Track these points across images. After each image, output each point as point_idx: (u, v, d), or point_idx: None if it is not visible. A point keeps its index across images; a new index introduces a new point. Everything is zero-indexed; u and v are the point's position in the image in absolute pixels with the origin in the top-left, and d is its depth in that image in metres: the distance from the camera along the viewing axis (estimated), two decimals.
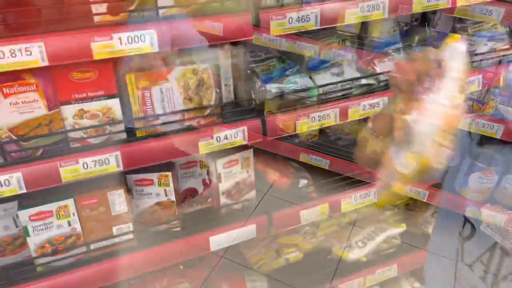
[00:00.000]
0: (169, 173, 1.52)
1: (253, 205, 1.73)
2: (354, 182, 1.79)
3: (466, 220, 1.04)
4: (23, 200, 1.39)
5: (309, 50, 1.67)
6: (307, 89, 1.57)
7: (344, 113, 1.61)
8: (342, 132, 2.18)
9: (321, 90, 1.59)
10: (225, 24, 1.32)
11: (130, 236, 1.51)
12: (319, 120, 1.58)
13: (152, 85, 1.39)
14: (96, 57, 1.22)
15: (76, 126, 1.35)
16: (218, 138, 1.47)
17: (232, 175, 1.66)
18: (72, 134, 1.35)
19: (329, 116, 1.59)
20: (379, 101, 1.65)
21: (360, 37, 1.74)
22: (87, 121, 1.36)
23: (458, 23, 1.84)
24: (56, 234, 1.41)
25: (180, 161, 1.64)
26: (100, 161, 1.34)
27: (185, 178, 1.67)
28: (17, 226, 1.45)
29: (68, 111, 1.33)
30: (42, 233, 1.39)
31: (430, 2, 1.54)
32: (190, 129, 1.46)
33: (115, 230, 1.49)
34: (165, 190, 1.55)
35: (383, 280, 2.03)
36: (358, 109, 1.62)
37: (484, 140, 1.61)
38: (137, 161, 1.39)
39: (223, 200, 1.67)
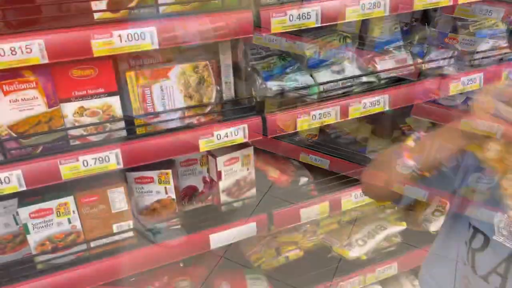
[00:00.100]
0: (169, 171, 1.52)
1: (253, 203, 1.73)
2: (354, 180, 1.79)
3: (477, 230, 0.99)
4: (23, 198, 1.39)
5: (309, 48, 1.67)
6: (308, 86, 1.56)
7: (344, 111, 1.61)
8: (342, 131, 2.18)
9: (321, 87, 1.59)
10: (225, 21, 1.31)
11: (130, 233, 1.51)
12: (319, 118, 1.58)
13: (153, 83, 1.39)
14: (96, 54, 1.22)
15: (76, 124, 1.35)
16: (218, 136, 1.47)
17: (232, 173, 1.66)
18: (72, 132, 1.35)
19: (330, 114, 1.59)
20: (379, 99, 1.65)
21: (360, 35, 1.73)
22: (87, 119, 1.36)
23: (459, 21, 1.83)
24: (56, 232, 1.41)
25: (180, 159, 1.64)
26: (100, 159, 1.34)
27: (185, 176, 1.67)
28: (17, 224, 1.45)
29: (68, 109, 1.33)
30: (42, 231, 1.39)
31: (432, 0, 1.54)
32: (190, 126, 1.46)
33: (115, 228, 1.49)
34: (165, 187, 1.55)
35: (384, 278, 2.03)
36: (359, 106, 1.62)
37: None
38: (137, 158, 1.39)
39: (223, 198, 1.67)
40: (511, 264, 0.93)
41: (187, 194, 1.70)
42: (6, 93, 1.23)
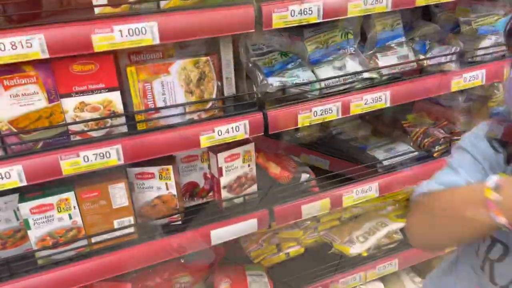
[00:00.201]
0: (170, 167, 1.52)
1: (254, 199, 1.73)
2: (356, 177, 1.78)
3: (495, 240, 0.94)
4: (24, 193, 1.39)
5: (311, 44, 1.66)
6: (309, 82, 1.56)
7: (346, 107, 1.60)
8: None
9: (323, 83, 1.58)
10: (226, 17, 1.31)
11: (131, 229, 1.51)
12: (321, 114, 1.57)
13: (153, 78, 1.39)
14: (97, 49, 1.21)
15: (77, 119, 1.34)
16: (219, 132, 1.46)
17: (233, 169, 1.65)
18: (73, 127, 1.35)
19: (331, 110, 1.58)
20: (381, 95, 1.64)
21: (362, 31, 1.72)
22: (88, 114, 1.35)
23: (462, 16, 1.82)
24: (57, 227, 1.41)
25: (181, 155, 1.63)
26: (101, 154, 1.33)
27: (186, 172, 1.67)
28: (18, 219, 1.45)
29: (69, 104, 1.32)
30: (43, 226, 1.39)
31: None
32: (191, 122, 1.46)
33: (116, 224, 1.49)
34: (166, 183, 1.54)
35: (384, 275, 2.03)
36: (360, 103, 1.61)
37: None
38: (138, 154, 1.38)
39: (224, 194, 1.67)
40: None
41: (188, 190, 1.70)
42: (6, 88, 1.23)
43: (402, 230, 2.04)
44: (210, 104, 1.49)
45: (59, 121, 1.32)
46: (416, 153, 1.91)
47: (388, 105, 1.67)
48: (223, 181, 1.65)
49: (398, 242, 2.02)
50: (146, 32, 1.24)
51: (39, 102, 1.28)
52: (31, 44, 1.15)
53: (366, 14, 1.52)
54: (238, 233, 1.64)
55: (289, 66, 1.60)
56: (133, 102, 1.40)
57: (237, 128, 1.48)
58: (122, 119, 1.40)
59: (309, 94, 1.57)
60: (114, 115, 1.37)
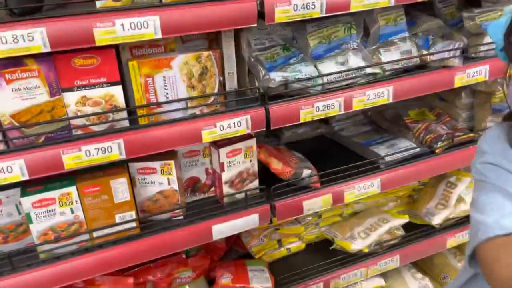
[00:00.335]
0: (172, 162, 1.52)
1: (256, 195, 1.72)
2: (358, 173, 1.78)
3: None
4: (26, 187, 1.39)
5: (313, 38, 1.65)
6: (312, 78, 1.55)
7: (348, 103, 1.60)
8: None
9: (325, 79, 1.57)
10: (229, 10, 1.30)
11: (133, 224, 1.51)
12: (323, 110, 1.57)
13: (155, 73, 1.38)
14: (99, 43, 1.21)
15: (79, 113, 1.34)
16: (221, 127, 1.46)
17: (235, 165, 1.65)
18: (75, 121, 1.34)
19: (334, 106, 1.58)
20: (383, 91, 1.64)
21: (365, 26, 1.71)
22: (89, 109, 1.35)
23: (465, 11, 1.81)
24: (59, 221, 1.41)
25: (183, 150, 1.63)
26: (103, 149, 1.33)
27: (188, 167, 1.67)
28: (19, 213, 1.45)
29: (71, 98, 1.32)
30: (45, 220, 1.39)
31: None
32: (193, 117, 1.45)
33: (117, 218, 1.49)
34: (168, 178, 1.54)
35: (385, 271, 2.03)
36: (363, 98, 1.61)
37: None
38: (140, 149, 1.38)
39: (226, 189, 1.67)
40: None
41: (190, 185, 1.70)
42: (8, 82, 1.22)
43: (403, 226, 2.03)
44: (212, 99, 1.49)
45: (61, 115, 1.32)
46: (418, 149, 1.91)
47: (390, 101, 1.66)
48: (225, 176, 1.65)
49: (400, 238, 2.02)
50: (148, 26, 1.24)
51: (41, 96, 1.27)
52: (33, 37, 1.14)
53: (369, 9, 1.51)
54: (240, 228, 1.65)
55: (292, 61, 1.59)
56: (134, 96, 1.40)
57: (239, 123, 1.48)
58: (124, 114, 1.40)
59: (311, 89, 1.56)
60: (116, 109, 1.37)
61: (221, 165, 1.62)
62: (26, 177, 1.27)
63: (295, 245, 2.00)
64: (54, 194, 1.38)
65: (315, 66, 1.61)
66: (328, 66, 1.60)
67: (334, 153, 2.06)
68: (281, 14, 1.37)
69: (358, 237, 1.92)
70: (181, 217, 1.60)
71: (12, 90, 1.24)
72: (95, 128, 1.37)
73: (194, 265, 1.81)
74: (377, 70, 1.64)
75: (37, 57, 1.23)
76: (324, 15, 1.43)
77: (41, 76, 1.25)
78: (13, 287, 1.36)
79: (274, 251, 1.97)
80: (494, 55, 1.81)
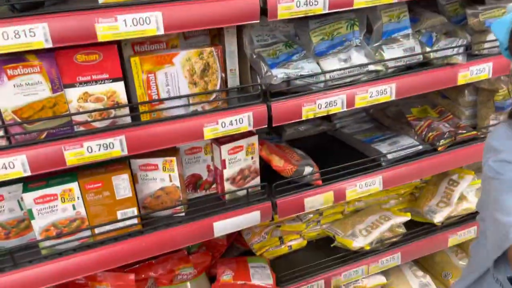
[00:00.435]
0: (173, 158, 1.51)
1: (258, 192, 1.72)
2: (359, 170, 1.78)
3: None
4: (28, 183, 1.39)
5: (316, 35, 1.64)
6: (314, 74, 1.54)
7: (351, 100, 1.59)
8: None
9: (328, 76, 1.57)
10: (231, 7, 1.29)
11: (135, 220, 1.51)
12: (325, 107, 1.56)
13: (157, 69, 1.38)
14: (101, 39, 1.21)
15: (81, 110, 1.34)
16: (223, 124, 1.46)
17: (236, 162, 1.65)
18: (77, 118, 1.34)
19: (336, 103, 1.57)
20: (386, 88, 1.63)
21: (368, 22, 1.70)
22: (91, 105, 1.35)
23: (469, 8, 1.80)
24: (60, 218, 1.41)
25: (185, 147, 1.63)
26: (105, 145, 1.33)
27: (189, 164, 1.66)
28: (21, 209, 1.45)
29: (73, 94, 1.32)
30: (47, 216, 1.39)
31: None
32: (195, 114, 1.45)
33: (119, 215, 1.49)
34: (169, 175, 1.54)
35: (387, 269, 2.03)
36: (365, 95, 1.60)
37: None
38: (142, 145, 1.38)
39: (227, 186, 1.67)
40: None
41: (191, 182, 1.70)
42: (10, 78, 1.22)
43: (405, 224, 2.03)
44: (214, 95, 1.48)
45: (62, 111, 1.32)
46: (420, 146, 1.90)
47: (393, 98, 1.66)
48: (226, 173, 1.64)
49: (401, 236, 2.01)
50: (150, 22, 1.23)
51: (43, 92, 1.27)
52: (35, 33, 1.14)
53: (372, 6, 1.50)
54: (241, 225, 1.65)
55: (294, 57, 1.59)
56: (136, 93, 1.39)
57: (241, 120, 1.48)
58: (126, 110, 1.39)
59: (313, 86, 1.56)
60: (117, 106, 1.37)
61: (223, 162, 1.62)
62: (28, 173, 1.27)
63: (297, 242, 2.00)
64: (56, 190, 1.38)
65: (318, 63, 1.60)
66: (331, 63, 1.60)
67: (336, 150, 2.06)
68: (284, 10, 1.36)
69: (360, 234, 1.92)
70: (183, 214, 1.60)
71: (14, 86, 1.23)
72: (97, 125, 1.36)
73: (195, 262, 1.81)
74: (379, 67, 1.63)
75: (39, 53, 1.23)
76: (327, 11, 1.42)
77: (43, 72, 1.25)
78: (15, 283, 1.36)
79: (276, 248, 1.97)
80: (497, 53, 1.80)
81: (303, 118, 1.54)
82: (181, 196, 1.58)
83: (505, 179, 0.93)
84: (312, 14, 1.41)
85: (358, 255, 1.95)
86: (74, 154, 1.30)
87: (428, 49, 1.72)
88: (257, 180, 1.74)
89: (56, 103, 1.30)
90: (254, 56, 1.56)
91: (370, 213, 2.05)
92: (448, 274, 2.24)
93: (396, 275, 2.20)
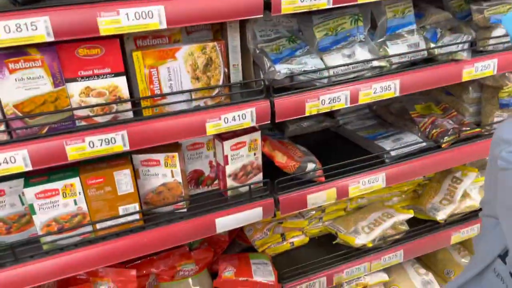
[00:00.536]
0: (175, 154, 1.51)
1: (260, 188, 1.71)
2: (362, 167, 1.77)
3: None
4: (29, 178, 1.39)
5: (320, 30, 1.63)
6: (317, 70, 1.53)
7: (354, 96, 1.58)
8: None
9: (331, 71, 1.55)
10: (235, 1, 1.28)
11: (136, 216, 1.50)
12: (329, 103, 1.55)
13: (160, 64, 1.37)
14: (103, 32, 1.19)
15: (82, 104, 1.33)
16: (225, 120, 1.44)
17: (239, 158, 1.64)
18: (78, 112, 1.33)
19: (340, 99, 1.56)
20: (390, 84, 1.62)
21: (372, 18, 1.69)
22: (93, 99, 1.34)
23: (474, 4, 1.78)
24: (62, 213, 1.41)
25: (187, 142, 1.62)
26: (107, 140, 1.32)
27: (191, 160, 1.66)
28: (23, 204, 1.44)
29: (74, 89, 1.31)
30: (48, 211, 1.39)
31: None
32: (197, 109, 1.44)
33: (121, 210, 1.48)
34: (171, 171, 1.53)
35: (389, 266, 2.03)
36: (369, 91, 1.59)
37: None
38: (144, 140, 1.37)
39: (229, 182, 1.66)
40: None
41: (194, 178, 1.69)
42: (11, 71, 1.21)
43: (407, 221, 2.02)
44: (216, 91, 1.47)
45: (64, 106, 1.31)
46: (424, 143, 1.89)
47: (397, 94, 1.64)
48: (229, 169, 1.63)
49: (404, 233, 2.01)
50: (153, 16, 1.22)
51: (45, 86, 1.26)
52: (36, 26, 1.13)
53: (377, 0, 1.49)
54: (243, 222, 1.64)
55: (297, 53, 1.57)
56: (139, 87, 1.38)
57: (244, 115, 1.47)
58: (128, 105, 1.38)
59: (317, 82, 1.54)
60: (119, 100, 1.36)
61: (225, 158, 1.61)
62: (30, 168, 1.26)
63: (299, 239, 2.00)
64: (58, 185, 1.37)
65: (321, 59, 1.59)
66: (335, 59, 1.58)
67: (339, 147, 2.05)
68: (288, 5, 1.34)
69: (362, 231, 1.91)
70: (185, 210, 1.59)
71: (16, 80, 1.22)
72: (99, 119, 1.35)
73: (197, 258, 1.80)
74: (384, 63, 1.62)
75: (41, 46, 1.22)
76: (331, 6, 1.41)
77: (45, 66, 1.24)
78: (16, 278, 1.36)
79: (278, 245, 1.96)
80: (502, 49, 1.79)
81: (307, 114, 1.53)
82: (183, 192, 1.58)
83: None
84: (316, 9, 1.39)
85: (360, 252, 1.95)
86: (76, 149, 1.29)
87: (432, 45, 1.71)
88: (260, 176, 1.73)
89: (58, 97, 1.29)
90: (257, 51, 1.55)
91: (372, 210, 2.04)
92: (450, 272, 2.23)
93: (398, 272, 2.19)
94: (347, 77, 1.59)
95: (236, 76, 1.56)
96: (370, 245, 1.89)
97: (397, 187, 2.13)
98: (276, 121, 1.50)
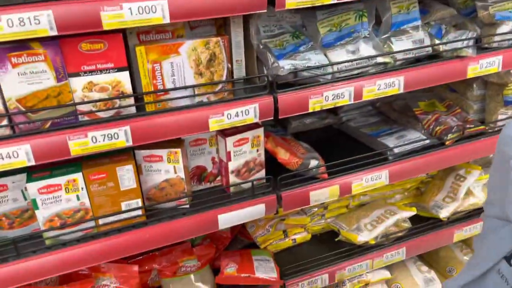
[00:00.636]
0: (178, 150, 1.50)
1: (263, 185, 1.71)
2: (366, 164, 1.76)
3: None
4: (32, 173, 1.38)
5: (324, 26, 1.62)
6: (321, 66, 1.52)
7: (358, 92, 1.57)
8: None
9: (335, 67, 1.54)
10: None
11: (139, 212, 1.50)
12: (333, 99, 1.54)
13: (163, 59, 1.36)
14: (106, 27, 1.19)
15: (85, 99, 1.33)
16: (228, 115, 1.44)
17: (242, 154, 1.63)
18: (81, 107, 1.33)
19: (343, 95, 1.55)
20: (394, 80, 1.61)
21: (377, 14, 1.68)
22: (96, 94, 1.33)
23: (479, 1, 1.77)
24: (64, 208, 1.41)
25: (190, 138, 1.61)
26: (109, 135, 1.32)
27: (194, 156, 1.65)
28: (25, 199, 1.44)
29: (77, 83, 1.30)
30: (51, 207, 1.39)
31: None
32: (200, 105, 1.43)
33: (123, 206, 1.48)
34: (174, 167, 1.53)
35: (391, 263, 2.02)
36: (373, 88, 1.58)
37: None
38: (147, 136, 1.36)
39: (232, 178, 1.65)
40: None
41: (196, 174, 1.68)
42: (14, 66, 1.21)
43: (410, 218, 2.02)
44: (219, 86, 1.46)
45: (67, 100, 1.30)
46: (427, 141, 1.88)
47: (401, 91, 1.63)
48: (232, 165, 1.63)
49: (406, 231, 2.00)
50: (156, 10, 1.21)
51: (48, 80, 1.26)
52: (39, 20, 1.12)
53: None
54: (246, 218, 1.63)
55: (301, 48, 1.56)
56: (141, 83, 1.38)
57: (247, 111, 1.46)
58: (131, 100, 1.38)
59: (321, 78, 1.53)
60: (122, 95, 1.35)
61: (228, 154, 1.60)
62: (32, 163, 1.25)
63: (301, 236, 1.99)
64: (60, 180, 1.37)
65: (325, 55, 1.58)
66: (338, 55, 1.57)
67: (342, 143, 2.04)
68: (292, 0, 1.33)
69: (365, 229, 1.91)
70: (187, 206, 1.59)
71: (18, 74, 1.22)
72: (102, 114, 1.35)
73: (199, 254, 1.80)
74: (388, 59, 1.61)
75: (44, 40, 1.21)
76: (335, 1, 1.40)
77: (48, 61, 1.23)
78: (18, 273, 1.36)
79: (280, 242, 1.96)
80: (507, 46, 1.78)
81: (310, 111, 1.52)
82: (185, 188, 1.57)
83: None
84: (320, 4, 1.38)
85: (363, 250, 1.94)
86: (79, 144, 1.29)
87: (437, 42, 1.69)
88: (262, 172, 1.72)
89: (61, 92, 1.28)
90: (261, 47, 1.54)
91: (375, 207, 2.03)
92: (452, 270, 2.23)
93: (400, 270, 2.19)
94: (351, 73, 1.58)
95: (240, 71, 1.56)
96: (373, 242, 1.89)
97: (400, 185, 2.12)
98: (280, 117, 1.49)
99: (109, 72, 1.32)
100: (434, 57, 1.72)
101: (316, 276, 1.86)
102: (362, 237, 1.87)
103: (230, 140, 1.59)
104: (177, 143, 1.53)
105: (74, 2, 1.14)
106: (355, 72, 1.58)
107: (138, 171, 1.50)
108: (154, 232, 1.50)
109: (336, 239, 1.99)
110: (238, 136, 1.60)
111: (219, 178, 1.72)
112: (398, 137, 1.92)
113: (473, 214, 2.10)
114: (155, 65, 1.36)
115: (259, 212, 1.64)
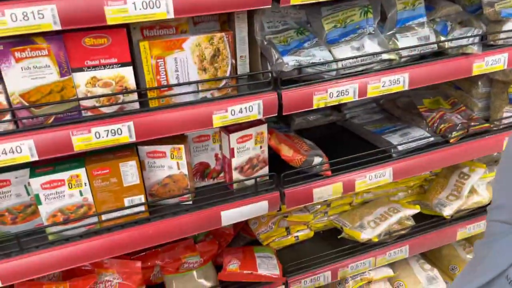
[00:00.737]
0: (181, 146, 1.50)
1: (266, 182, 1.70)
2: (369, 161, 1.75)
3: None
4: (35, 168, 1.38)
5: (328, 22, 1.61)
6: (326, 62, 1.51)
7: (363, 89, 1.56)
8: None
9: (340, 64, 1.53)
10: None
11: (142, 208, 1.50)
12: (337, 96, 1.53)
13: (167, 54, 1.35)
14: (110, 22, 1.18)
15: (88, 94, 1.32)
16: (232, 112, 1.43)
17: (245, 151, 1.63)
18: (84, 103, 1.32)
19: (348, 92, 1.54)
20: (399, 77, 1.59)
21: (382, 10, 1.66)
22: (100, 90, 1.33)
23: None
24: (67, 203, 1.40)
25: (193, 135, 1.61)
26: (113, 131, 1.31)
27: (197, 152, 1.64)
28: (28, 194, 1.44)
29: (81, 78, 1.30)
30: (54, 202, 1.38)
31: None
32: (204, 101, 1.43)
33: (126, 202, 1.47)
34: (177, 163, 1.52)
35: (394, 261, 2.02)
36: (378, 85, 1.57)
37: None
38: (150, 132, 1.36)
39: (235, 175, 1.65)
40: None
41: (199, 170, 1.68)
42: (18, 60, 1.20)
43: (413, 216, 2.01)
44: (223, 82, 1.45)
45: (70, 96, 1.30)
46: (432, 138, 1.87)
47: (406, 88, 1.62)
48: (235, 162, 1.62)
49: (410, 229, 1.99)
50: (160, 5, 1.21)
51: (51, 75, 1.25)
52: (43, 15, 1.12)
53: None
54: (249, 215, 1.63)
55: (306, 45, 1.55)
56: (145, 78, 1.37)
57: (251, 108, 1.45)
58: (134, 96, 1.37)
59: (325, 74, 1.52)
60: (126, 91, 1.35)
61: (231, 151, 1.60)
62: (36, 158, 1.25)
63: (303, 233, 1.99)
64: (63, 175, 1.37)
65: (330, 51, 1.57)
66: (343, 51, 1.56)
67: (346, 141, 2.04)
68: None
69: (368, 226, 1.90)
70: (190, 202, 1.58)
71: (22, 69, 1.21)
72: (105, 110, 1.34)
73: (202, 251, 1.80)
74: (393, 56, 1.60)
75: (47, 35, 1.21)
76: None
77: (51, 55, 1.23)
78: (21, 268, 1.36)
79: (282, 239, 1.96)
80: None
81: (314, 107, 1.52)
82: (188, 184, 1.57)
83: None
84: (325, 0, 1.37)
85: (366, 247, 1.94)
86: (82, 139, 1.28)
87: (443, 38, 1.68)
88: (266, 169, 1.72)
89: (64, 87, 1.28)
90: (265, 43, 1.53)
91: (378, 205, 2.03)
92: (455, 268, 2.22)
93: (403, 267, 2.18)
94: (355, 70, 1.57)
95: (244, 67, 1.55)
96: (376, 240, 1.88)
97: (403, 182, 2.11)
98: (284, 113, 1.48)
99: (112, 67, 1.31)
100: (439, 54, 1.70)
101: (318, 273, 1.85)
102: (365, 235, 1.87)
103: (234, 137, 1.58)
104: (180, 139, 1.53)
105: None
106: (360, 68, 1.57)
107: (141, 167, 1.50)
108: (157, 228, 1.50)
109: (339, 237, 1.98)
110: (242, 133, 1.60)
111: (222, 174, 1.72)
112: (402, 135, 1.91)
113: (477, 212, 2.09)
114: (159, 60, 1.35)
115: (262, 209, 1.64)
